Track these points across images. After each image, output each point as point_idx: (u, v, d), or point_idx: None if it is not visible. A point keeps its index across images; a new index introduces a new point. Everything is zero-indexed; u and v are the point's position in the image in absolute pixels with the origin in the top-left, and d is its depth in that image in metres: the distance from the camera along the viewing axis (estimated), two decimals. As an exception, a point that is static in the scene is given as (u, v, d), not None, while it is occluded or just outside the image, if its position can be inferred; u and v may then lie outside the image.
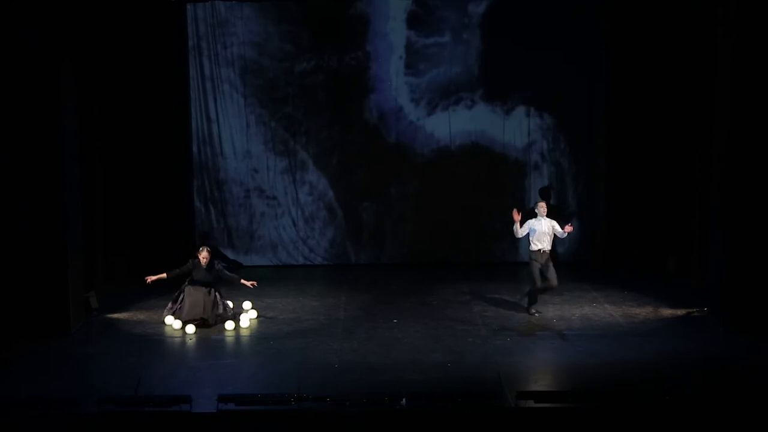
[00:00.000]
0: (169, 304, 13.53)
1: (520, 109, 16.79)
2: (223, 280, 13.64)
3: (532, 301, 13.78)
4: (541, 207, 13.64)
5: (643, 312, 13.93)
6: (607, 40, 16.44)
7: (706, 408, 10.22)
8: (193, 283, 13.39)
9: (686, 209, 15.49)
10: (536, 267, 13.49)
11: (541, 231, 13.47)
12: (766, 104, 12.72)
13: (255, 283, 13.56)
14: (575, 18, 16.48)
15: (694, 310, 13.82)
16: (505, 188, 16.95)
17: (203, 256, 13.38)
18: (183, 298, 13.36)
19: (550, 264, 13.51)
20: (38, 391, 10.86)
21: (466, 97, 16.73)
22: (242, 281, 13.57)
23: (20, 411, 10.19)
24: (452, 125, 16.81)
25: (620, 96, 16.33)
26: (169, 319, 13.37)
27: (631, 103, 16.20)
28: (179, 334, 13.08)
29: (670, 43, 15.50)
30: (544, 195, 16.46)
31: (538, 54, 16.44)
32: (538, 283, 13.53)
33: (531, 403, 10.31)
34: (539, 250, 13.46)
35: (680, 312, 13.84)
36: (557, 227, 13.51)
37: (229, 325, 13.27)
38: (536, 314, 13.68)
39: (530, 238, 13.57)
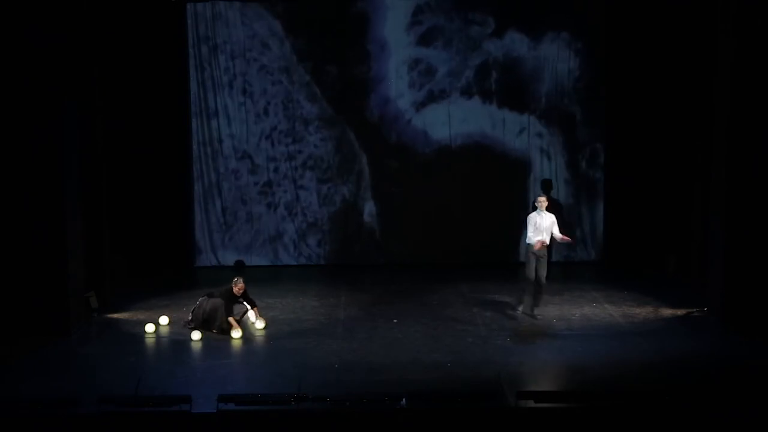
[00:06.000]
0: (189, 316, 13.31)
1: (521, 112, 16.86)
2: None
3: (535, 304, 13.56)
4: (542, 201, 13.39)
5: (643, 312, 13.92)
6: (606, 42, 16.52)
7: (706, 408, 10.22)
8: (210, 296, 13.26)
9: (686, 209, 15.48)
10: (532, 261, 13.31)
11: (543, 226, 13.29)
12: (766, 103, 12.72)
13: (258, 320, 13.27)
14: (575, 22, 16.58)
15: (694, 310, 13.82)
16: (506, 188, 16.95)
17: (239, 287, 13.16)
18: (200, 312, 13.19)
19: (545, 260, 13.35)
20: (38, 391, 10.85)
21: (464, 95, 16.80)
22: (251, 311, 13.32)
23: (20, 411, 10.19)
24: (452, 125, 16.83)
25: (620, 96, 16.33)
26: (150, 327, 13.11)
27: (631, 104, 16.21)
28: (180, 333, 13.06)
29: (669, 46, 15.52)
30: (546, 188, 16.41)
31: (539, 53, 16.59)
32: (532, 276, 13.31)
33: (531, 403, 10.30)
34: (539, 241, 13.19)
35: (680, 312, 13.84)
36: (556, 228, 13.38)
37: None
38: (539, 317, 13.55)
39: (529, 231, 13.36)
